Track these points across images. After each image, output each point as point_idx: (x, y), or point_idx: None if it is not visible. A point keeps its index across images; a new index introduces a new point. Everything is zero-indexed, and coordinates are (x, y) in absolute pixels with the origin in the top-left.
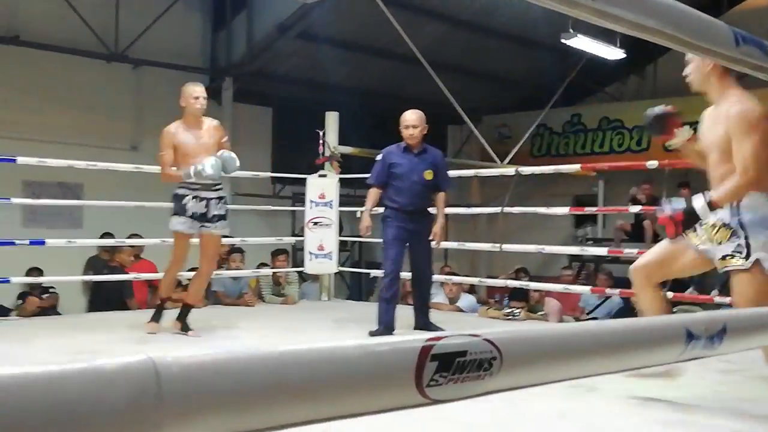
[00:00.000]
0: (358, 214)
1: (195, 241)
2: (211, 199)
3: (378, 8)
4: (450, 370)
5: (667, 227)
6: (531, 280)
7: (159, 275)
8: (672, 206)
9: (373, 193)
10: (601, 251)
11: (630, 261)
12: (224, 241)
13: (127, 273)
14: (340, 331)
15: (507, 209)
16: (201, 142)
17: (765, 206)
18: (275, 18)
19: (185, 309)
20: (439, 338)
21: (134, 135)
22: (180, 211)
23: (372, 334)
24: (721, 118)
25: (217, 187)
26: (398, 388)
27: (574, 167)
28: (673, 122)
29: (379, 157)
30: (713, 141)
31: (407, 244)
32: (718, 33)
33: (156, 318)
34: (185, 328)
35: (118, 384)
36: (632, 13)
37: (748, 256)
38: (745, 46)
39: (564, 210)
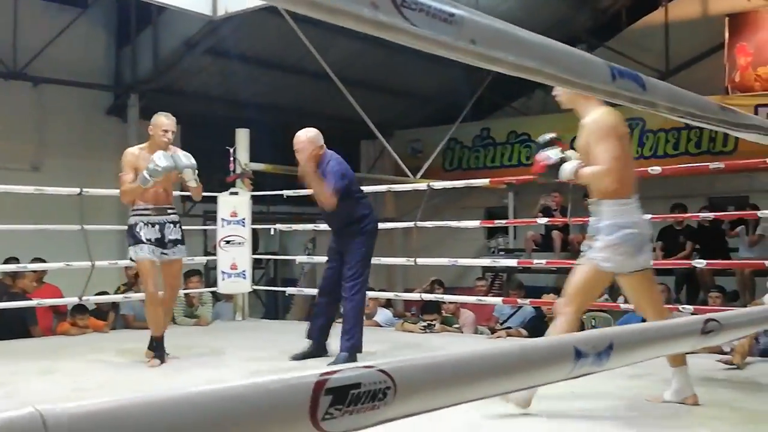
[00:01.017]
0: (272, 232)
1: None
2: (165, 223)
3: (288, 24)
4: (344, 402)
5: (536, 166)
6: (446, 292)
7: (63, 300)
8: (549, 154)
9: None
10: (512, 262)
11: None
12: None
13: (29, 299)
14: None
15: (420, 223)
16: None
17: (616, 214)
18: (182, 34)
19: (156, 342)
20: (333, 372)
21: (35, 155)
22: (135, 240)
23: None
24: (584, 129)
25: (170, 211)
26: (293, 423)
27: (483, 181)
28: (560, 144)
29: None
30: (581, 148)
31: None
32: (595, 70)
33: (159, 354)
34: (161, 357)
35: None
36: (512, 56)
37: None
38: (621, 80)
39: (475, 223)
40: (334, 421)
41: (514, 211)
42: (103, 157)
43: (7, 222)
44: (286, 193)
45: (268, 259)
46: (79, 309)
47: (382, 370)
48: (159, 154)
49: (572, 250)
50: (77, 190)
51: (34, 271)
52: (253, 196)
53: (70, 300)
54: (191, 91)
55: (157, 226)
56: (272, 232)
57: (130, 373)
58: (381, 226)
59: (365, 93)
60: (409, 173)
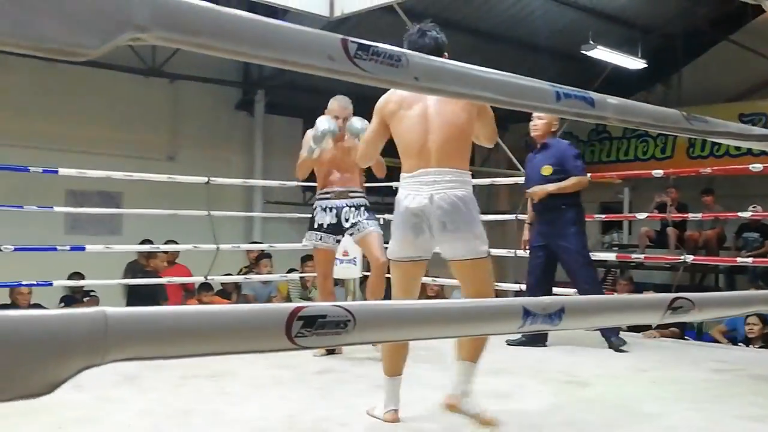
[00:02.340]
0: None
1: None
2: (344, 207)
3: (402, 22)
4: (313, 326)
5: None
6: (555, 285)
7: (192, 279)
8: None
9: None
10: (611, 256)
11: (654, 267)
12: (254, 246)
13: (161, 277)
14: None
15: (521, 216)
16: (338, 153)
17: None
18: None
19: None
20: (305, 306)
21: (171, 146)
22: (309, 225)
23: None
24: None
25: (353, 194)
26: (273, 337)
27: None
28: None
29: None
30: None
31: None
32: (539, 93)
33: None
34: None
35: (82, 321)
36: (453, 87)
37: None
38: (566, 100)
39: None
40: (304, 338)
41: (629, 207)
42: (231, 149)
43: (143, 207)
44: (395, 184)
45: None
46: (205, 287)
47: (343, 307)
48: (321, 119)
49: (687, 247)
50: (205, 179)
51: (166, 252)
52: (367, 187)
53: (197, 279)
54: (311, 86)
55: (334, 211)
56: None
57: None
58: (490, 218)
59: None
60: (520, 167)
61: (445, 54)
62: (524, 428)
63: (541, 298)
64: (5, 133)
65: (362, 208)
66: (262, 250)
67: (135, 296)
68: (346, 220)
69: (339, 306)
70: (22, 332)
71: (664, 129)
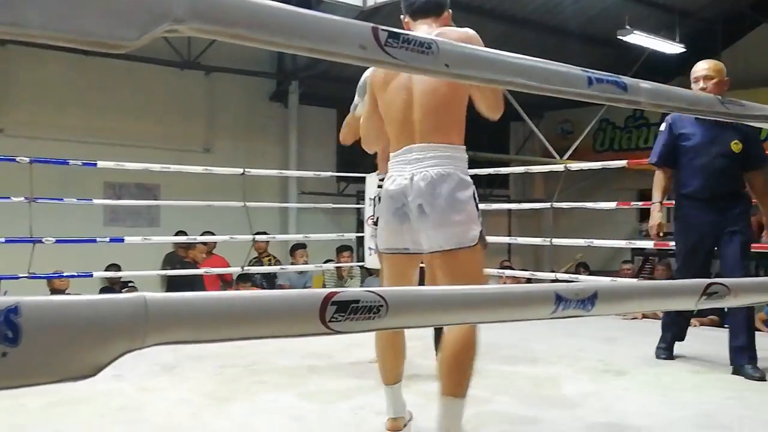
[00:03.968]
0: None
1: None
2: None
3: None
4: (346, 311)
5: None
6: (591, 274)
7: (230, 270)
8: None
9: (659, 177)
10: (648, 244)
11: None
12: (291, 237)
13: (199, 268)
14: None
15: (557, 204)
16: None
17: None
18: None
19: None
20: (338, 292)
21: (207, 138)
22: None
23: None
24: None
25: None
26: (308, 321)
27: (620, 163)
28: None
29: (663, 126)
30: None
31: (713, 243)
32: (570, 79)
33: None
34: None
35: (123, 306)
36: (482, 73)
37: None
38: (598, 85)
39: (611, 205)
40: (338, 323)
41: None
42: (266, 140)
43: (181, 198)
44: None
45: None
46: (243, 278)
47: (376, 293)
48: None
49: None
50: (240, 170)
51: (205, 243)
52: None
53: (235, 270)
54: (345, 77)
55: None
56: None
57: None
58: (525, 206)
59: None
60: (555, 154)
61: (448, 12)
62: (563, 416)
63: (573, 284)
64: (44, 127)
65: None
66: (298, 241)
67: (173, 287)
68: None
69: (372, 291)
70: (67, 317)
71: (699, 113)
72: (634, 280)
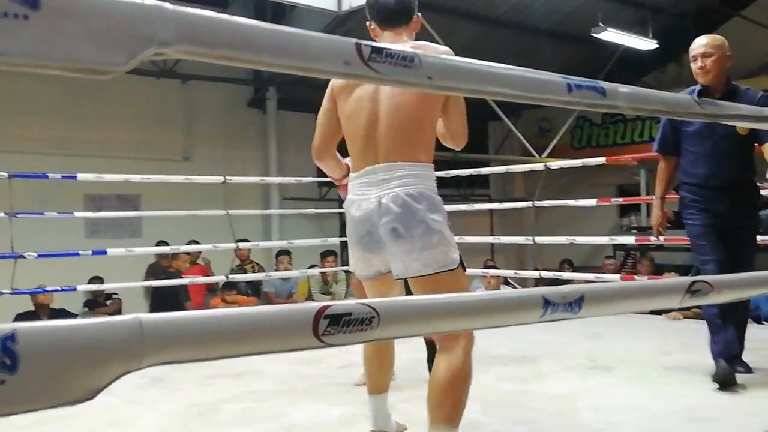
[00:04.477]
0: None
1: None
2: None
3: None
4: (339, 324)
5: None
6: (575, 270)
7: (215, 279)
8: None
9: (661, 168)
10: (630, 239)
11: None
12: (274, 244)
13: (183, 278)
14: None
15: (538, 203)
16: None
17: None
18: (315, 27)
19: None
20: (331, 305)
21: (186, 146)
22: None
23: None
24: None
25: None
26: (301, 336)
27: (599, 160)
28: None
29: None
30: None
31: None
32: (550, 86)
33: None
34: None
35: (119, 329)
36: (465, 84)
37: None
38: (578, 91)
39: (592, 202)
40: (331, 336)
41: (646, 188)
42: (246, 147)
43: (162, 208)
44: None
45: None
46: (228, 286)
47: (367, 304)
48: None
49: None
50: (221, 178)
51: (188, 253)
52: None
53: (219, 278)
54: (324, 82)
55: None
56: None
57: None
58: (507, 206)
59: None
60: (534, 153)
61: (417, 16)
62: (550, 413)
63: (560, 287)
64: (21, 141)
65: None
66: (282, 248)
67: (158, 297)
68: None
69: (363, 303)
70: (64, 342)
71: (677, 114)
72: (618, 278)
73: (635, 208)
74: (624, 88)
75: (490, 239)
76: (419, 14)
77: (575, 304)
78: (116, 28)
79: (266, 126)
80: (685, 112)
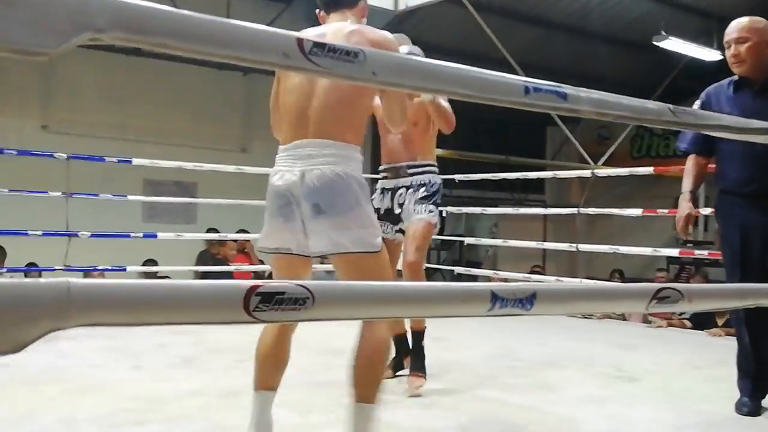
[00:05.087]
0: (444, 214)
1: None
2: (398, 189)
3: (469, 14)
4: (271, 302)
5: None
6: (625, 281)
7: (259, 267)
8: None
9: (688, 165)
10: (674, 252)
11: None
12: None
13: (230, 265)
14: None
15: (583, 210)
16: None
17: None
18: (373, 25)
19: (415, 338)
20: (264, 284)
21: (243, 138)
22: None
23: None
24: None
25: (412, 170)
26: (232, 311)
27: (646, 170)
28: None
29: (696, 104)
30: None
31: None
32: (509, 88)
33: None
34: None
35: (47, 289)
36: (410, 81)
37: None
38: (535, 94)
39: (637, 212)
40: (262, 313)
41: (705, 201)
42: None
43: (217, 196)
44: (457, 177)
45: (454, 241)
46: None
47: (303, 285)
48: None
49: None
50: (270, 170)
51: (236, 241)
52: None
53: (264, 267)
54: None
55: (389, 194)
56: (444, 215)
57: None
58: (557, 212)
59: (550, 79)
60: (589, 160)
61: (364, 2)
62: (563, 420)
63: (511, 284)
64: (85, 125)
65: (422, 189)
66: None
67: None
68: (399, 205)
69: (299, 284)
70: None
71: (647, 122)
72: (578, 283)
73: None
74: (587, 93)
75: (533, 244)
76: (362, 3)
77: (527, 300)
78: (52, 14)
79: None
80: (656, 120)
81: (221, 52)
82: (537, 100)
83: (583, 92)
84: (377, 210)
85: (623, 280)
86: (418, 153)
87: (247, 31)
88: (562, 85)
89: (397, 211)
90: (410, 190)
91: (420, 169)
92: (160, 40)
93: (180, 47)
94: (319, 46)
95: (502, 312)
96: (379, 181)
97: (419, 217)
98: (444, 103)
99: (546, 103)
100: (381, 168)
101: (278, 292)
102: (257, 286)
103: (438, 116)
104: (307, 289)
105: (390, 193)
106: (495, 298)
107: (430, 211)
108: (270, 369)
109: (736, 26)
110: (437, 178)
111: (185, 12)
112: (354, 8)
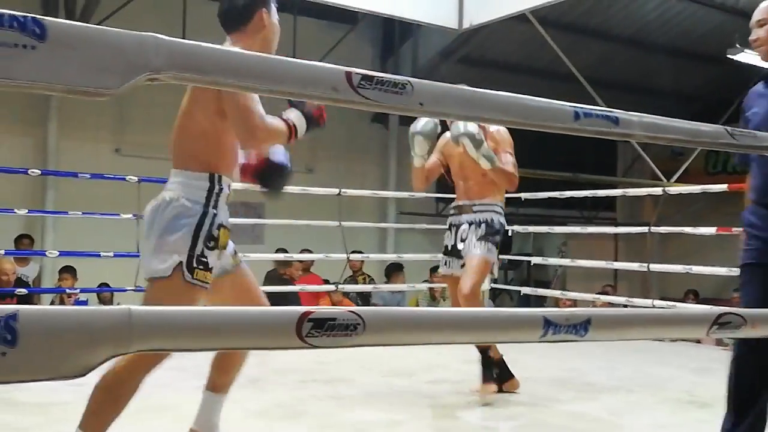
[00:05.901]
0: (510, 233)
1: None
2: (461, 225)
3: (535, 30)
4: (323, 328)
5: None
6: (700, 302)
7: (324, 287)
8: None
9: (747, 183)
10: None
11: None
12: (384, 257)
13: (295, 285)
14: None
15: (654, 229)
16: (464, 159)
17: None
18: (439, 44)
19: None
20: (316, 310)
21: (310, 159)
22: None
23: None
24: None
25: (477, 207)
26: (285, 336)
27: (721, 187)
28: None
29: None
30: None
31: None
32: (557, 114)
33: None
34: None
35: (109, 316)
36: (457, 111)
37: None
38: (585, 119)
39: (711, 230)
40: (314, 338)
41: None
42: (366, 161)
43: (283, 217)
44: (523, 195)
45: (521, 261)
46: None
47: (354, 312)
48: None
49: None
50: (336, 190)
51: (301, 261)
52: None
53: (328, 287)
54: None
55: (454, 230)
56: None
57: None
58: (620, 230)
59: (618, 94)
60: (661, 176)
61: (262, 19)
62: None
63: (564, 309)
64: (155, 148)
65: (483, 225)
66: (393, 262)
67: (271, 303)
68: (462, 240)
69: (350, 311)
70: (59, 323)
71: (701, 144)
72: (632, 309)
73: None
74: (639, 117)
75: (602, 264)
76: (266, 16)
77: (581, 326)
78: (112, 56)
79: (387, 141)
80: (712, 142)
81: (272, 87)
82: (588, 125)
83: (635, 116)
84: (446, 247)
85: (698, 300)
86: (487, 194)
87: (297, 66)
88: (614, 110)
89: (460, 246)
90: (472, 226)
91: (484, 208)
92: (214, 78)
93: (233, 84)
94: (367, 78)
95: (556, 338)
96: (449, 218)
97: (477, 252)
98: (505, 162)
99: (597, 128)
100: (451, 205)
101: (330, 318)
102: (309, 312)
103: (499, 179)
104: (359, 315)
105: (455, 229)
106: (548, 324)
107: (489, 249)
108: (222, 371)
109: (757, 10)
110: (500, 219)
111: (236, 50)
112: (246, 28)
